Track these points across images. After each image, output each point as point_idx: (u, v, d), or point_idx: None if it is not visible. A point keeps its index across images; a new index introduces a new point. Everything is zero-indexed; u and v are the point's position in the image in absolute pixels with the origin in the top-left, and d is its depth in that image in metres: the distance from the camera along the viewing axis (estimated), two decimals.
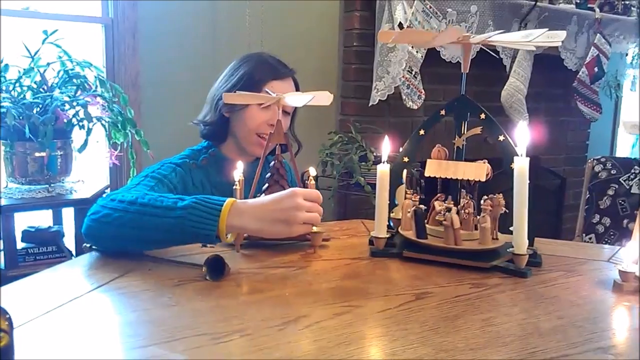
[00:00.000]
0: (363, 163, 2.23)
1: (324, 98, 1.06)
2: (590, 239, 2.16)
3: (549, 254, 1.07)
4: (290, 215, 0.94)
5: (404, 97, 2.62)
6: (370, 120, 2.65)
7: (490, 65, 2.88)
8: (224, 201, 0.93)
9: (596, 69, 3.18)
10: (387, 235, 1.04)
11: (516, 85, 2.93)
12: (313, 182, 1.10)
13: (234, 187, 1.08)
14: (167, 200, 0.95)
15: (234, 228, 0.94)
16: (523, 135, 0.93)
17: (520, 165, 0.93)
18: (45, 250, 1.81)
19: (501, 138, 1.02)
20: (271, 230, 0.95)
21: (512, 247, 0.95)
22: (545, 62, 3.02)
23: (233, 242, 1.00)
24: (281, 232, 0.96)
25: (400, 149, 1.10)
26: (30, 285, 0.85)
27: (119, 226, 0.94)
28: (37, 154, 1.76)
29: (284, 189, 1.08)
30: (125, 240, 0.95)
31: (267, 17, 2.57)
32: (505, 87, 2.94)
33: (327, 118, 2.76)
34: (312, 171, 1.13)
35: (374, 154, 2.23)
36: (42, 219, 1.99)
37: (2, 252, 1.73)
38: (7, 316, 0.52)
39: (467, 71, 1.05)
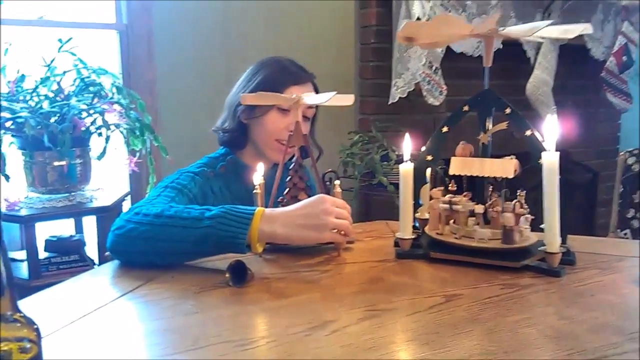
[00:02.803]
0: (385, 162, 2.22)
1: (346, 98, 1.07)
2: (625, 234, 2.12)
3: (583, 252, 1.05)
4: (320, 220, 0.96)
5: (424, 93, 2.60)
6: (390, 119, 2.64)
7: (513, 58, 2.84)
8: (253, 210, 0.95)
9: (625, 58, 3.12)
10: (413, 236, 1.04)
11: (542, 78, 2.89)
12: (339, 189, 1.10)
13: (255, 191, 1.08)
14: (194, 211, 0.96)
15: (265, 235, 0.96)
16: (551, 129, 0.91)
17: (550, 160, 0.91)
18: (67, 259, 1.84)
19: (528, 133, 1.00)
20: (301, 236, 0.97)
21: (544, 245, 0.94)
22: (571, 52, 2.98)
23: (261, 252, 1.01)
24: (311, 238, 0.98)
25: (423, 147, 1.09)
26: (55, 295, 0.87)
27: (147, 240, 0.95)
28: (56, 163, 1.79)
29: (305, 195, 1.08)
30: (153, 254, 0.96)
31: (281, 18, 2.58)
32: (530, 79, 2.90)
33: (347, 118, 2.76)
34: (337, 181, 1.13)
35: (396, 153, 2.22)
36: (63, 228, 2.03)
37: (26, 262, 1.76)
38: (35, 327, 0.53)
39: (490, 65, 1.04)
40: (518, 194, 1.02)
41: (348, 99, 1.08)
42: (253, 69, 1.33)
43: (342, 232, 1.02)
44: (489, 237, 0.99)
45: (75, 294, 0.88)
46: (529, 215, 1.00)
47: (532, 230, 1.02)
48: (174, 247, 0.95)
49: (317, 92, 1.33)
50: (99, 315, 0.78)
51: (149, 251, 0.96)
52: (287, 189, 1.10)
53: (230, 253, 0.95)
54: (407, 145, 1.05)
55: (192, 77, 2.43)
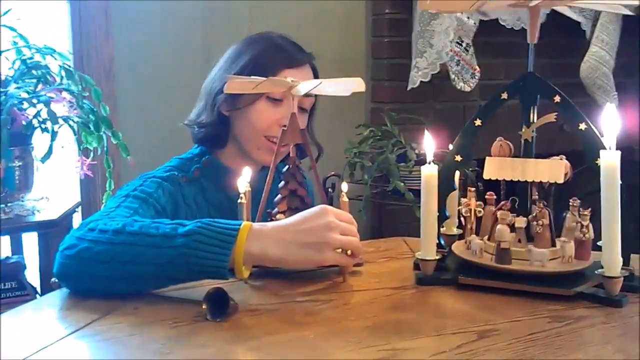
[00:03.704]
0: (402, 164, 2.22)
1: (355, 84, 1.07)
2: None
3: None
4: (321, 238, 0.97)
5: (452, 76, 2.61)
6: (410, 109, 2.65)
7: (564, 32, 2.85)
8: (238, 224, 0.96)
9: None
10: (438, 257, 1.04)
11: (600, 56, 2.89)
12: (346, 199, 1.11)
13: (239, 200, 1.09)
14: (164, 226, 0.97)
15: (253, 256, 0.96)
16: (612, 121, 0.92)
17: (609, 161, 0.92)
18: (3, 287, 1.84)
19: (582, 126, 1.01)
20: (298, 257, 0.97)
21: (602, 267, 0.94)
22: (637, 24, 2.98)
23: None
24: (310, 260, 0.99)
25: (451, 145, 1.10)
26: None
27: (104, 262, 0.96)
28: None
29: (303, 202, 1.09)
30: (112, 280, 0.96)
31: None
32: (585, 58, 2.90)
33: (355, 108, 2.77)
34: (344, 187, 1.13)
35: (416, 151, 2.22)
36: None
37: None
38: None
39: (536, 40, 1.05)
40: (571, 203, 1.02)
41: (358, 85, 1.09)
42: (237, 49, 1.34)
43: (349, 252, 1.02)
44: (548, 258, 0.99)
45: (14, 330, 0.88)
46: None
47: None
48: (138, 271, 0.95)
49: (316, 76, 1.34)
50: (42, 357, 0.78)
51: (107, 276, 0.96)
52: (280, 198, 1.10)
53: (209, 279, 0.95)
54: (430, 142, 1.06)
55: (160, 58, 2.44)
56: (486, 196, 1.09)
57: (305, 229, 0.98)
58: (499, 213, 1.03)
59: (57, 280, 1.04)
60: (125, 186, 1.23)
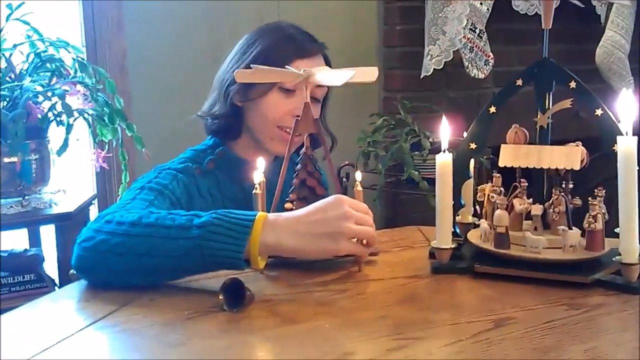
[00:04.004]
0: (416, 152, 2.22)
1: (367, 73, 1.07)
2: None
3: None
4: (336, 228, 0.97)
5: (466, 63, 2.59)
6: (423, 97, 2.64)
7: (579, 16, 2.82)
8: (253, 215, 0.96)
9: None
10: (453, 246, 1.04)
11: (615, 40, 2.86)
12: (360, 188, 1.10)
13: (254, 191, 1.09)
14: (180, 217, 0.97)
15: (268, 247, 0.96)
16: (628, 107, 0.91)
17: (626, 147, 0.91)
18: (21, 279, 1.86)
19: (599, 112, 1.00)
20: (313, 247, 0.98)
21: (619, 254, 0.93)
22: None
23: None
24: (325, 250, 0.99)
25: (465, 133, 1.09)
26: (7, 325, 0.88)
27: (121, 255, 0.96)
28: (6, 160, 1.81)
29: (313, 192, 1.09)
30: (128, 272, 0.97)
31: None
32: (600, 43, 2.87)
33: (367, 97, 2.76)
34: (358, 176, 1.13)
35: (431, 140, 2.22)
36: (15, 240, 2.05)
37: None
38: None
39: (550, 26, 1.04)
40: (595, 193, 1.00)
41: (370, 74, 1.09)
42: (249, 39, 1.34)
43: (364, 242, 1.02)
44: (544, 246, 0.99)
45: (33, 322, 0.90)
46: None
47: (606, 235, 1.02)
48: (154, 263, 0.96)
49: (329, 65, 1.34)
50: (62, 349, 0.79)
51: (124, 269, 0.97)
52: (294, 188, 1.10)
53: (225, 270, 0.96)
54: (445, 130, 1.05)
55: (172, 51, 2.44)
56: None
57: (320, 219, 0.98)
58: (497, 198, 1.02)
59: (75, 273, 1.05)
60: (140, 178, 1.24)
